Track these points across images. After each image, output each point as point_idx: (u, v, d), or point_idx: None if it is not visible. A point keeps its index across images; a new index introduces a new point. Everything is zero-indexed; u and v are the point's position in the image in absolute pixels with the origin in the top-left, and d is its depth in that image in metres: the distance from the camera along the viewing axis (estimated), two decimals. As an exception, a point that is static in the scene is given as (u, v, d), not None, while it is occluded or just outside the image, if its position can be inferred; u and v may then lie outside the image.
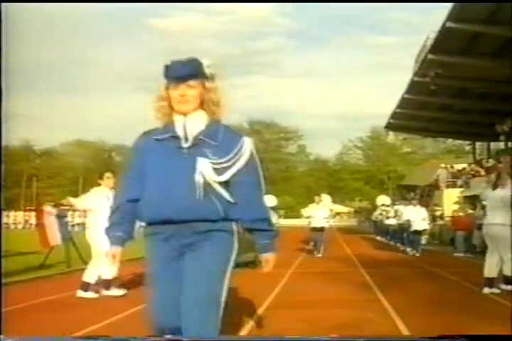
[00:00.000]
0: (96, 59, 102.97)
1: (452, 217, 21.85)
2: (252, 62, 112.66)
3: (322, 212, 18.66)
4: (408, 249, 19.46)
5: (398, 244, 22.37)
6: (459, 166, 35.99)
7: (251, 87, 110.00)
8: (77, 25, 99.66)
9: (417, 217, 19.06)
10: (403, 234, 21.04)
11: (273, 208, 32.54)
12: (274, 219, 28.02)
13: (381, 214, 28.81)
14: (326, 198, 20.31)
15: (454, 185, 31.65)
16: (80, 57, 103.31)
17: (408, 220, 19.39)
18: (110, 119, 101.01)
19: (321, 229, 18.53)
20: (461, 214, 20.46)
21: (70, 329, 6.07)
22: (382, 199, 31.63)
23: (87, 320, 6.72)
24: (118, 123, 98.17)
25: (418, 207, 19.97)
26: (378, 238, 29.64)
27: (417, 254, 18.42)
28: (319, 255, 18.19)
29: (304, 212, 19.70)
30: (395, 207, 25.28)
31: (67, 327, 6.34)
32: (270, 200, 33.14)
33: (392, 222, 24.11)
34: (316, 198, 19.34)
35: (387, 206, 28.28)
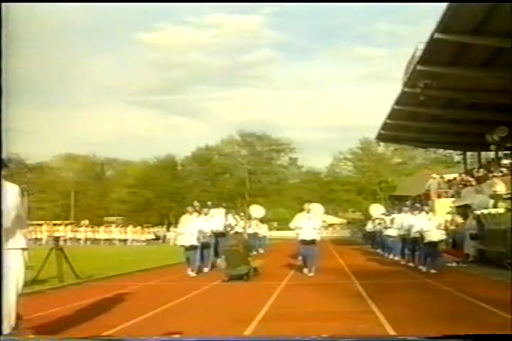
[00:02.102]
0: (85, 73, 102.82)
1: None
2: (242, 74, 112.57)
3: (312, 223, 15.72)
4: (422, 266, 16.44)
5: (397, 257, 20.58)
6: (449, 176, 36.15)
7: (241, 99, 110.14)
8: (67, 39, 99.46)
9: (430, 225, 16.26)
10: (414, 247, 17.71)
11: (262, 220, 31.47)
12: (265, 230, 26.54)
13: (380, 223, 26.04)
14: (317, 207, 18.98)
15: (445, 195, 31.73)
16: (70, 71, 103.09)
17: (421, 230, 16.38)
18: (101, 133, 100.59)
19: (312, 243, 15.65)
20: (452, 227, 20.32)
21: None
22: (378, 209, 29.99)
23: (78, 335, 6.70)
24: (109, 136, 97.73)
25: (431, 214, 17.31)
26: (378, 251, 26.55)
27: (432, 271, 15.43)
28: (310, 273, 15.30)
29: (292, 223, 16.49)
30: (393, 215, 22.78)
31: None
32: (258, 211, 31.99)
33: (393, 232, 21.12)
34: (306, 206, 16.41)
35: (387, 215, 25.25)
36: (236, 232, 20.96)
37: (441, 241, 17.01)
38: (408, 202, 25.82)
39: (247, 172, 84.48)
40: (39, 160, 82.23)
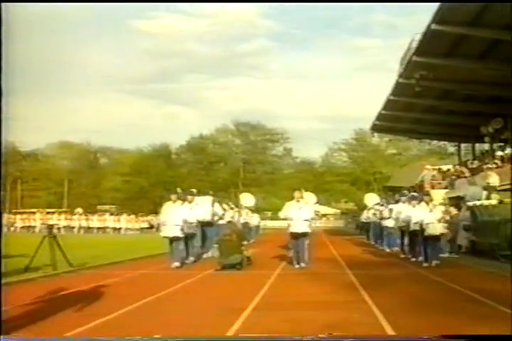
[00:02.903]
0: (81, 60, 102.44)
1: None
2: (237, 64, 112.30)
3: (303, 213, 14.46)
4: (416, 259, 16.00)
5: (392, 249, 20.33)
6: (443, 167, 36.20)
7: (236, 89, 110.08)
8: (62, 27, 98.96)
9: (431, 218, 14.99)
10: (413, 239, 16.63)
11: (255, 209, 30.29)
12: (256, 220, 25.00)
13: (374, 214, 25.00)
14: (309, 196, 18.38)
15: (439, 186, 31.75)
16: (65, 59, 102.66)
17: (421, 222, 15.19)
18: (95, 121, 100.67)
19: (303, 235, 14.50)
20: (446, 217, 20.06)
21: (57, 333, 6.08)
22: (373, 199, 28.95)
23: (72, 323, 6.71)
24: (103, 124, 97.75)
25: (431, 205, 15.57)
26: (371, 242, 26.40)
27: (425, 264, 14.70)
28: (301, 265, 14.39)
29: (281, 212, 15.16)
30: (390, 205, 21.37)
31: (50, 330, 6.34)
32: (248, 200, 30.76)
33: (391, 223, 20.14)
34: (297, 194, 14.81)
35: (382, 205, 24.10)
36: (229, 222, 20.82)
37: (442, 234, 15.69)
38: (406, 192, 25.02)
39: (241, 161, 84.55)
40: (33, 148, 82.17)
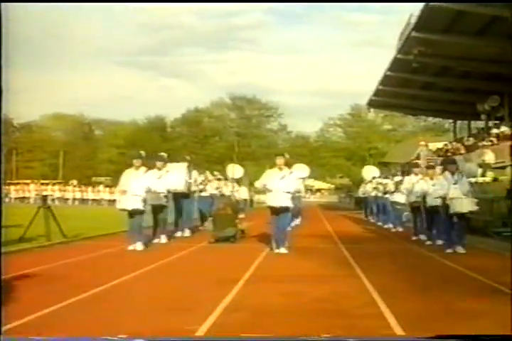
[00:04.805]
0: (76, 33, 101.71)
1: None
2: (233, 37, 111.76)
3: (285, 184, 11.74)
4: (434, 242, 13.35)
5: (398, 228, 18.67)
6: (439, 144, 36.22)
7: (231, 62, 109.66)
8: (58, 1, 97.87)
9: (457, 191, 11.81)
10: (430, 218, 13.96)
11: (238, 181, 29.12)
12: (245, 193, 23.68)
13: (376, 188, 22.01)
14: (302, 168, 16.90)
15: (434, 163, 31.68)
16: (61, 32, 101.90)
17: (443, 197, 12.09)
18: (90, 93, 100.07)
19: (284, 211, 11.94)
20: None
21: (49, 304, 6.10)
22: (371, 171, 26.51)
23: (64, 293, 6.73)
24: (98, 96, 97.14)
25: (457, 176, 12.09)
26: (369, 219, 24.65)
27: (461, 251, 11.79)
28: (282, 250, 11.71)
29: (258, 181, 12.57)
30: (396, 178, 19.68)
31: (45, 301, 6.35)
32: (236, 171, 29.09)
33: (400, 199, 17.69)
34: (279, 160, 11.99)
35: (385, 178, 22.17)
36: (222, 194, 20.68)
37: (470, 212, 12.32)
38: (419, 162, 23.40)
39: (236, 135, 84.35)
40: (28, 120, 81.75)
